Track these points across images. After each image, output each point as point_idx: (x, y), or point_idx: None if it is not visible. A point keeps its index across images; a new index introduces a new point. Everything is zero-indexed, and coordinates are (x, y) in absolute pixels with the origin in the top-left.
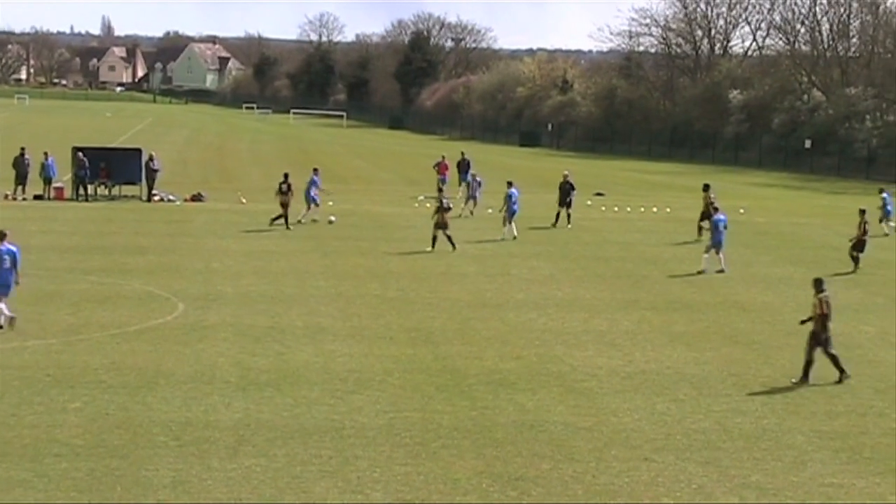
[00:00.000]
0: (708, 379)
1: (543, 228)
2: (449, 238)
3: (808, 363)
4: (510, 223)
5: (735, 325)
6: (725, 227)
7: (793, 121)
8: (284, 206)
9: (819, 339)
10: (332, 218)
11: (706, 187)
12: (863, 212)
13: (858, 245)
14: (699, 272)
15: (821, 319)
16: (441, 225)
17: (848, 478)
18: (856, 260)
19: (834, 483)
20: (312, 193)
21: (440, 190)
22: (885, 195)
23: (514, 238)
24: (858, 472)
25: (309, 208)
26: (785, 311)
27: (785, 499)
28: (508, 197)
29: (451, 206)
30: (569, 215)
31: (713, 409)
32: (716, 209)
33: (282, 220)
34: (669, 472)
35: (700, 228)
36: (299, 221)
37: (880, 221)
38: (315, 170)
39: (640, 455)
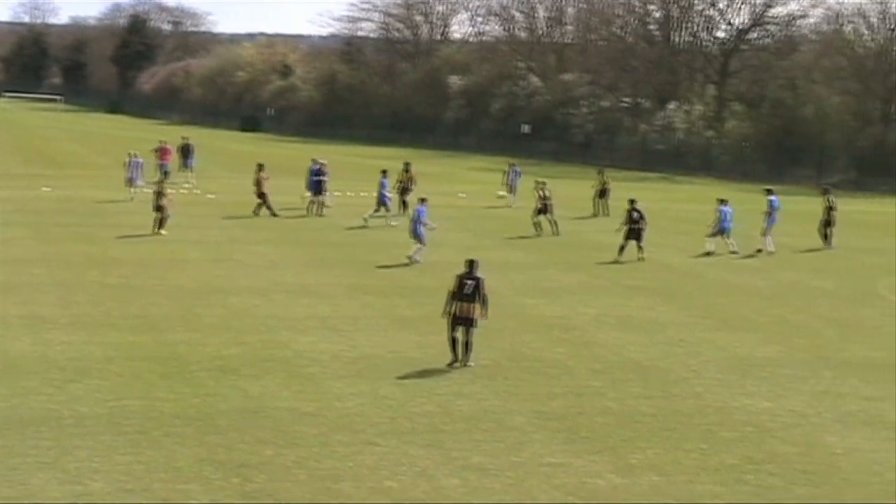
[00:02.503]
0: (431, 362)
1: (259, 217)
2: (161, 222)
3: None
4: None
5: None
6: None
7: (511, 106)
8: None
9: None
10: None
11: (541, 184)
12: (632, 201)
13: (631, 234)
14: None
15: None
16: (159, 208)
17: (566, 457)
18: (635, 250)
19: (553, 462)
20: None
21: (166, 174)
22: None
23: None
24: (576, 451)
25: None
26: (506, 294)
27: (506, 479)
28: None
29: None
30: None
31: (436, 392)
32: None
33: None
34: (393, 455)
35: (536, 225)
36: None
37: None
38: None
39: (364, 439)
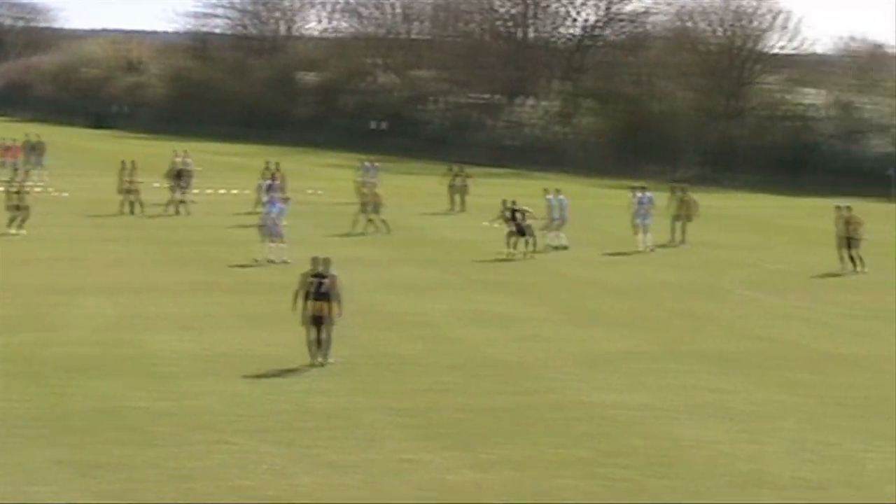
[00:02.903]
0: (285, 360)
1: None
2: (20, 220)
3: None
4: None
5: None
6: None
7: (364, 102)
8: None
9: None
10: None
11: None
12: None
13: (518, 231)
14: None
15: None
16: (12, 208)
17: (422, 453)
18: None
19: (408, 459)
20: None
21: (16, 171)
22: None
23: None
24: (432, 448)
25: None
26: (360, 291)
27: (361, 476)
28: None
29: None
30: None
31: (290, 389)
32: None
33: None
34: (248, 453)
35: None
36: None
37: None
38: None
39: (218, 438)
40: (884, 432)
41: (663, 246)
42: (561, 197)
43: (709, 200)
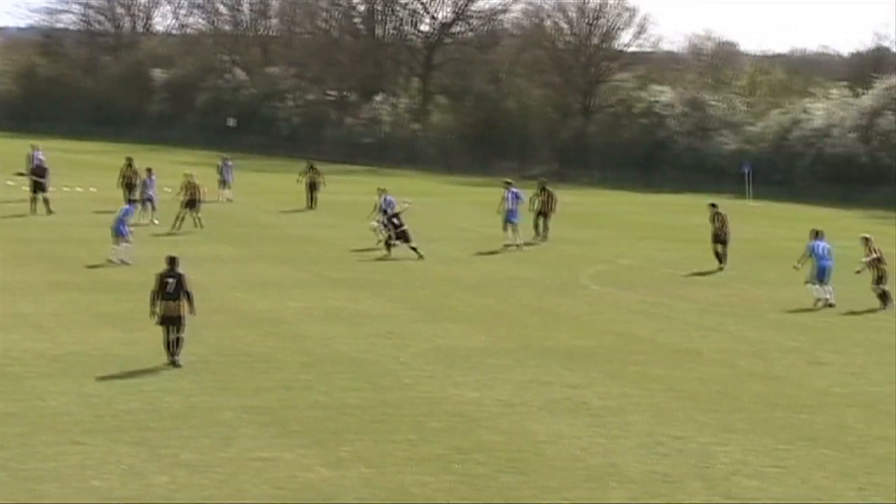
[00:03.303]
0: (138, 359)
1: None
2: None
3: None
4: None
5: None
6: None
7: (217, 99)
8: None
9: None
10: None
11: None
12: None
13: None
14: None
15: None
16: None
17: (276, 451)
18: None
19: (263, 457)
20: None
21: None
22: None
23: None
24: (286, 445)
25: None
26: (214, 289)
27: (216, 474)
28: None
29: None
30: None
31: (143, 388)
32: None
33: None
34: (99, 453)
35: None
36: None
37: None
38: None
39: (69, 438)
40: (734, 426)
41: (529, 243)
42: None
43: (563, 197)
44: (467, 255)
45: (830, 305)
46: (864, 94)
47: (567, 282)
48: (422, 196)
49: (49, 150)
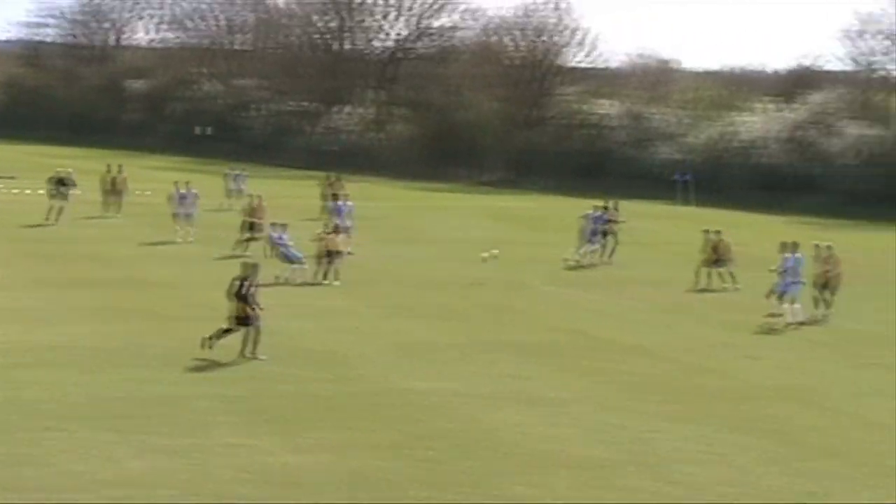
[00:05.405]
0: (116, 352)
1: None
2: None
3: None
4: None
5: (136, 300)
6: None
7: (190, 109)
8: None
9: None
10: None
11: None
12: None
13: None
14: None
15: None
16: None
17: (245, 438)
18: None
19: (233, 443)
20: None
21: None
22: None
23: None
24: (254, 433)
25: None
26: (181, 286)
27: (189, 459)
28: None
29: None
30: None
31: (120, 379)
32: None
33: None
34: (78, 440)
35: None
36: None
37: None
38: None
39: (49, 425)
40: (670, 415)
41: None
42: (349, 203)
43: (513, 202)
44: (426, 254)
45: (790, 323)
46: (789, 108)
47: (517, 281)
48: (383, 201)
49: (33, 156)
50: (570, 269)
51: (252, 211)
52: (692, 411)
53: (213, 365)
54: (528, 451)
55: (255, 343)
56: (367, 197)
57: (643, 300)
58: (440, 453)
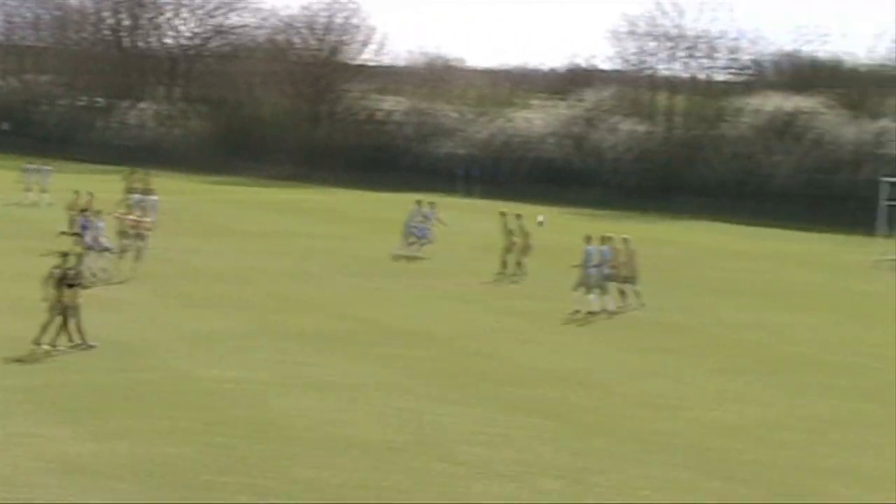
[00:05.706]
0: None
1: None
2: None
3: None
4: None
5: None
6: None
7: None
8: None
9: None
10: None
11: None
12: None
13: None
14: None
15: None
16: None
17: (42, 428)
18: None
19: (35, 433)
20: None
21: None
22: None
23: None
24: (52, 422)
25: None
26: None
27: None
28: None
29: None
30: None
31: None
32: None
33: None
34: None
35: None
36: None
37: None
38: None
39: None
40: (456, 398)
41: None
42: (153, 196)
43: (302, 195)
44: (216, 248)
45: (593, 312)
46: (566, 105)
47: (303, 271)
48: (178, 195)
49: None
50: (354, 258)
51: (75, 205)
52: (476, 394)
53: (5, 355)
54: (319, 436)
55: (75, 332)
56: (163, 191)
57: (422, 288)
58: (233, 439)
